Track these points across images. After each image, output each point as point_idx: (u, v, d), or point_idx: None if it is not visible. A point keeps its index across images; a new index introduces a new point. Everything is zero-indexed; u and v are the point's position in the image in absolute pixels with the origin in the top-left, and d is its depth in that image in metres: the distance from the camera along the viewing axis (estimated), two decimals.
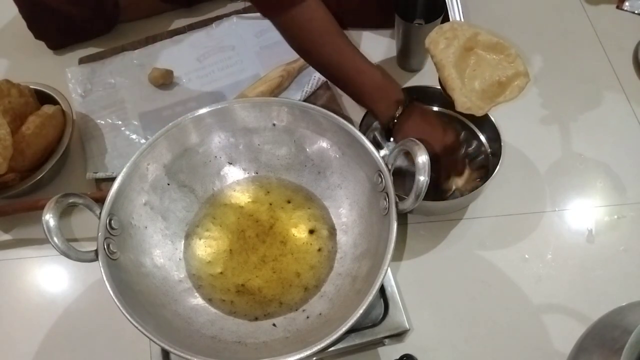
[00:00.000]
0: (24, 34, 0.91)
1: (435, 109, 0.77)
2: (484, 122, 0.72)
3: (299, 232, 0.61)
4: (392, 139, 0.68)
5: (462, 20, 0.68)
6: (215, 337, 0.53)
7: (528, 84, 0.63)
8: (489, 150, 0.73)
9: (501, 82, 0.62)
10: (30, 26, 0.89)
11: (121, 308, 0.48)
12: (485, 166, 0.72)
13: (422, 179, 0.49)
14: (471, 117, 0.73)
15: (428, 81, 0.79)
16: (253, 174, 0.65)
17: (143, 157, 0.58)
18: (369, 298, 0.47)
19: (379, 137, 0.77)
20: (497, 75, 0.62)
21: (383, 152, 0.77)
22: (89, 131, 0.81)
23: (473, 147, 0.74)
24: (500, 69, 0.62)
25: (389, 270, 0.54)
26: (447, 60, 0.61)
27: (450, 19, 0.68)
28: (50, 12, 0.87)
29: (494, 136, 0.70)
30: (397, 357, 0.61)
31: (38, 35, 0.91)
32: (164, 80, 0.84)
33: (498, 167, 0.67)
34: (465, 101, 0.61)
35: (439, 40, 0.62)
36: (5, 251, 0.75)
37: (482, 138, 0.74)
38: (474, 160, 0.74)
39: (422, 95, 0.74)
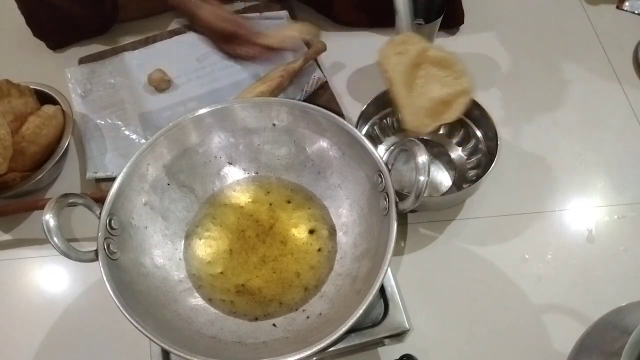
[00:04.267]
0: (24, 34, 0.91)
1: None
2: (482, 121, 0.73)
3: (299, 232, 0.61)
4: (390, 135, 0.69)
5: (412, 32, 0.68)
6: (215, 337, 0.53)
7: (470, 99, 0.66)
8: (486, 148, 0.73)
9: (446, 100, 0.65)
10: (29, 22, 0.89)
11: (121, 308, 0.48)
12: (483, 164, 0.72)
13: (422, 179, 0.49)
14: (468, 114, 0.74)
15: None
16: (253, 174, 0.65)
17: (143, 157, 0.58)
18: (369, 298, 0.47)
19: (377, 132, 0.77)
20: (443, 93, 0.64)
21: (381, 147, 0.77)
22: (89, 131, 0.81)
23: (471, 144, 0.75)
24: (447, 86, 0.65)
25: (389, 270, 0.54)
26: (398, 77, 0.64)
27: (400, 30, 0.68)
28: (48, 8, 0.87)
29: (491, 134, 0.70)
30: (397, 357, 0.61)
31: (36, 33, 0.91)
32: (157, 85, 0.84)
33: (494, 163, 0.67)
34: (412, 119, 0.64)
35: (390, 55, 0.64)
36: (5, 251, 0.75)
37: (480, 135, 0.74)
38: (471, 158, 0.75)
39: None
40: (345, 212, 0.61)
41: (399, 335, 0.57)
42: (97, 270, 0.50)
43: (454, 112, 0.65)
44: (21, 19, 0.89)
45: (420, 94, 0.65)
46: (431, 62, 0.65)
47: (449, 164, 0.76)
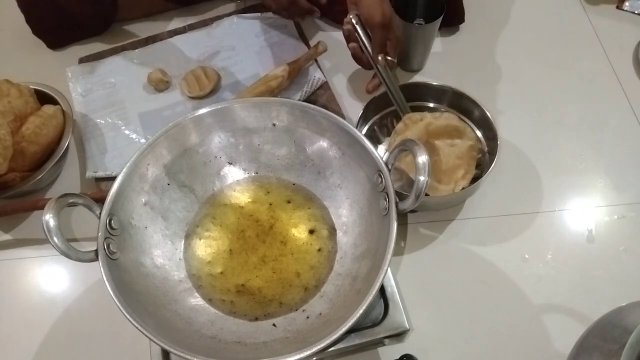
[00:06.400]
0: (24, 34, 0.91)
1: (431, 105, 0.78)
2: (482, 121, 0.73)
3: (299, 232, 0.61)
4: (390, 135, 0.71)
5: (406, 106, 0.73)
6: (215, 337, 0.53)
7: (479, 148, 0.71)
8: (486, 148, 0.73)
9: (459, 162, 0.69)
10: (28, 19, 0.90)
11: (121, 308, 0.48)
12: (483, 164, 0.72)
13: (422, 179, 0.49)
14: (468, 114, 0.75)
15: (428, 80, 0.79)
16: (253, 174, 0.65)
17: (143, 157, 0.58)
18: (369, 298, 0.47)
19: (377, 132, 0.77)
20: (455, 156, 0.69)
21: (382, 147, 0.77)
22: (89, 131, 0.81)
23: None
24: (456, 148, 0.69)
25: (389, 270, 0.54)
26: (409, 168, 0.68)
27: (401, 114, 0.73)
28: (48, 5, 0.87)
29: (491, 134, 0.70)
30: (397, 357, 0.61)
31: (36, 30, 0.91)
32: (157, 85, 0.84)
33: (494, 163, 0.67)
34: (444, 190, 0.68)
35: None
36: (5, 251, 0.75)
37: (480, 135, 0.74)
38: None
39: (421, 91, 0.77)
40: (345, 212, 0.61)
41: (399, 335, 0.57)
42: (97, 270, 0.50)
43: (471, 167, 0.69)
44: (21, 20, 0.89)
45: (437, 170, 0.69)
46: (435, 135, 0.69)
47: None
